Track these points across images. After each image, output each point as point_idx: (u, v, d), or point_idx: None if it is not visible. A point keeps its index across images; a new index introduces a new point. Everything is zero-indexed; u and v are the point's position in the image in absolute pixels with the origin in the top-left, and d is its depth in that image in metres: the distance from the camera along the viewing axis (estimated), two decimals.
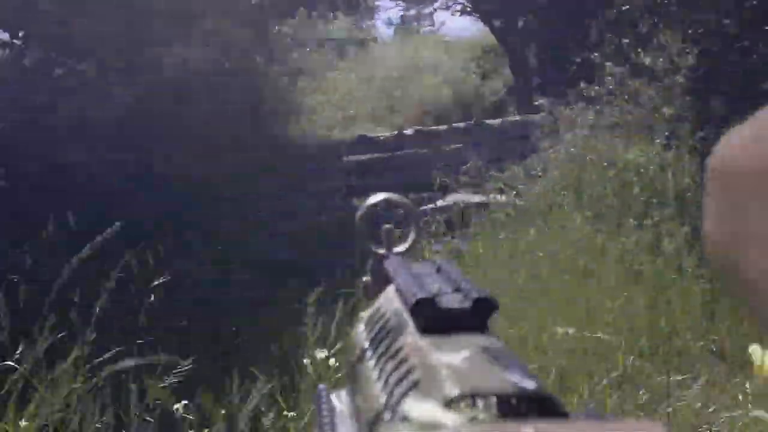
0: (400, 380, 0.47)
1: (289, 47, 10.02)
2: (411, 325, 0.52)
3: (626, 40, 8.30)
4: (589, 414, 0.46)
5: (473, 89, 13.87)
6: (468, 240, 6.71)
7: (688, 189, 6.79)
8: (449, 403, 0.42)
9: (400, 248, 0.74)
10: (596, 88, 8.05)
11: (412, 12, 22.10)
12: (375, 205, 0.76)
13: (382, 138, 8.62)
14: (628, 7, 8.37)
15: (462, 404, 0.42)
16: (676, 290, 5.68)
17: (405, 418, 0.42)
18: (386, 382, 0.49)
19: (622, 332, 5.22)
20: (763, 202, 0.37)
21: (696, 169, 7.01)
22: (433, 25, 23.18)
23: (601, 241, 6.22)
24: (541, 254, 6.10)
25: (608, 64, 7.96)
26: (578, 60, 9.37)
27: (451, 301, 0.52)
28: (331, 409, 0.63)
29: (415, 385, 0.45)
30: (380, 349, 0.54)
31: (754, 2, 7.80)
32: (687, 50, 7.88)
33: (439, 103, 12.64)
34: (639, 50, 8.09)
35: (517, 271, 5.99)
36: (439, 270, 0.60)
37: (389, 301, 0.59)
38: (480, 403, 0.45)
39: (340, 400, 0.63)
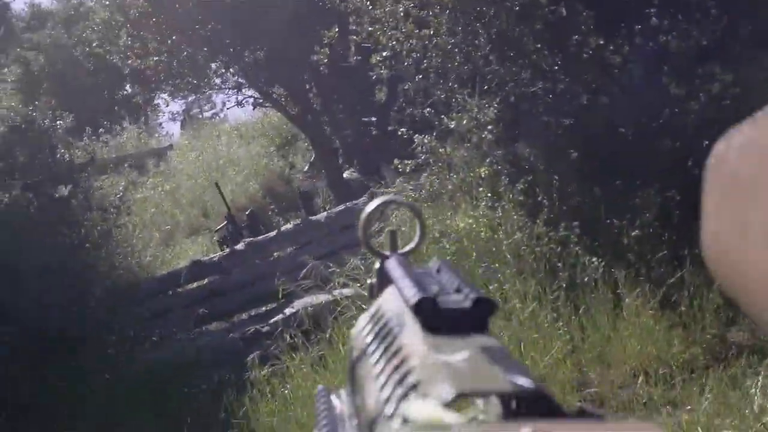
0: (400, 380, 0.48)
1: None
2: (411, 326, 0.54)
3: (427, 109, 8.59)
4: (585, 408, 0.49)
5: (279, 175, 13.94)
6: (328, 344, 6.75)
7: (521, 243, 7.08)
8: (449, 403, 0.43)
9: (404, 249, 0.76)
10: (407, 162, 8.27)
11: (192, 99, 21.95)
12: (378, 207, 0.79)
13: (216, 258, 8.58)
14: (420, 77, 8.66)
15: (462, 404, 0.45)
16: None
17: (405, 418, 0.44)
18: (386, 381, 0.50)
19: None
20: (761, 202, 0.38)
21: (524, 224, 7.33)
22: (215, 108, 23.26)
23: None
24: None
25: (416, 135, 8.21)
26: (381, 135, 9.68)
27: (452, 301, 0.55)
28: (331, 409, 0.66)
29: (415, 385, 0.47)
30: (380, 349, 0.56)
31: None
32: (487, 104, 8.25)
33: (252, 199, 12.66)
34: (442, 116, 8.39)
35: None
36: (439, 271, 0.64)
37: (390, 301, 0.62)
38: (480, 403, 0.49)
39: (340, 400, 0.66)
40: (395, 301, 0.60)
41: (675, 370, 5.60)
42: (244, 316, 8.24)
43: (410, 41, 8.20)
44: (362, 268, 7.47)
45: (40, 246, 7.63)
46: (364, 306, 6.93)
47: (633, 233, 6.93)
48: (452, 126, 8.24)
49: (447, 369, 0.46)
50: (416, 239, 0.78)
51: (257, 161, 14.55)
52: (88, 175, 9.23)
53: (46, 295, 7.16)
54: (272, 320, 7.47)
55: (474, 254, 7.05)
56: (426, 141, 8.21)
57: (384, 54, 8.49)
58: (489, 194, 7.52)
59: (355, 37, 9.29)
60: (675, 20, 8.40)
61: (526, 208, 7.45)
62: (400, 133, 8.34)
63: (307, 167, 13.84)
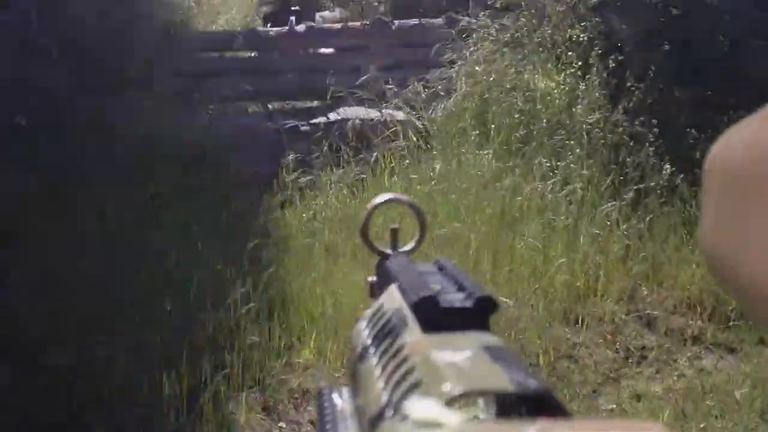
0: (402, 379, 0.49)
1: None
2: (413, 324, 0.55)
3: None
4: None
5: None
6: (368, 167, 6.55)
7: (597, 125, 6.84)
8: (451, 402, 0.43)
9: (406, 248, 0.78)
10: None
11: None
12: (381, 204, 0.80)
13: (272, 34, 8.20)
14: None
15: (463, 403, 0.45)
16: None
17: (406, 417, 0.45)
18: (388, 380, 0.51)
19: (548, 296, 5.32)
20: (761, 202, 0.38)
21: (603, 105, 7.07)
22: None
23: (511, 182, 6.23)
24: (453, 196, 6.06)
25: None
26: None
27: (453, 299, 0.56)
28: (333, 408, 0.66)
29: (416, 383, 0.47)
30: (382, 348, 0.56)
31: None
32: None
33: None
34: None
35: (430, 212, 5.94)
36: (441, 269, 0.65)
37: (391, 299, 0.62)
38: (481, 401, 0.50)
39: (341, 399, 0.67)
40: (396, 300, 0.61)
41: (730, 311, 5.48)
42: (286, 105, 7.94)
43: None
44: (423, 95, 7.21)
45: None
46: (414, 137, 6.73)
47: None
48: None
49: (449, 368, 0.47)
50: (417, 238, 0.79)
51: None
52: None
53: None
54: (314, 121, 7.19)
55: (545, 121, 6.78)
56: None
57: None
58: (579, 62, 7.17)
59: None
60: None
61: (610, 89, 7.16)
62: None
63: None
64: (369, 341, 0.59)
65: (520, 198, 6.09)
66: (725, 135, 0.43)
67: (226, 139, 6.73)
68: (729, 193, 0.41)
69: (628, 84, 7.03)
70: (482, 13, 8.08)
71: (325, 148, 6.65)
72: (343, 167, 6.57)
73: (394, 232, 0.79)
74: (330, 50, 8.31)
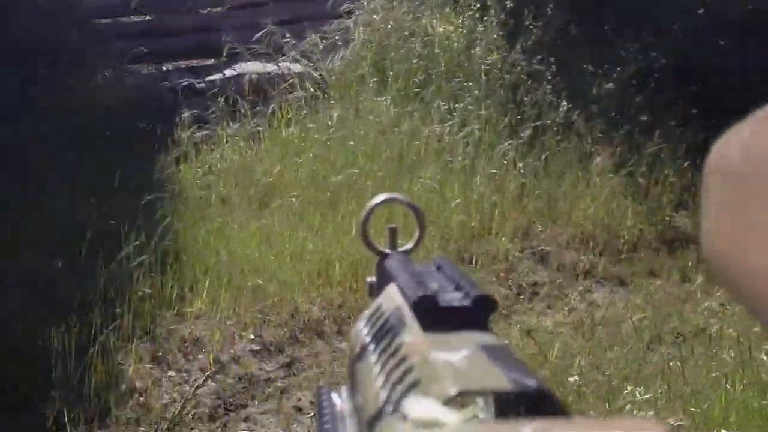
0: (401, 378, 0.49)
1: None
2: (411, 323, 0.56)
3: None
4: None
5: None
6: (264, 120, 6.56)
7: (495, 66, 6.91)
8: (449, 401, 0.44)
9: (405, 247, 0.78)
10: None
11: None
12: (379, 204, 0.79)
13: None
14: None
15: (462, 402, 0.46)
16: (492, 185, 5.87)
17: (405, 416, 0.45)
18: (386, 379, 0.51)
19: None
20: (761, 201, 0.38)
21: (501, 45, 7.13)
22: None
23: (409, 127, 6.28)
24: (351, 142, 6.10)
25: None
26: None
27: (452, 299, 0.56)
28: (332, 407, 0.67)
29: (415, 383, 0.47)
30: (381, 347, 0.57)
31: None
32: None
33: None
34: None
35: (327, 160, 5.99)
36: (439, 268, 0.65)
37: (390, 299, 0.62)
38: (480, 401, 0.50)
39: (340, 398, 0.67)
40: (395, 299, 0.61)
41: (623, 245, 5.61)
42: (181, 65, 7.91)
43: None
44: (320, 46, 7.22)
45: None
46: (310, 86, 6.76)
47: (606, 85, 6.82)
48: None
49: (447, 367, 0.47)
50: (416, 237, 0.79)
51: None
52: None
53: None
54: (209, 78, 7.18)
55: (443, 64, 6.84)
56: None
57: None
58: (477, 4, 7.22)
59: None
60: None
61: (508, 29, 7.23)
62: None
63: None
64: (368, 340, 0.60)
65: (417, 142, 6.14)
66: (725, 135, 0.43)
67: (120, 99, 6.71)
68: (729, 193, 0.42)
69: (526, 23, 7.10)
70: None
71: (222, 103, 6.65)
72: (239, 121, 6.57)
73: (393, 232, 0.79)
74: (225, 8, 8.26)
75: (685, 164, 6.25)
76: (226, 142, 6.37)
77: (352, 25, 7.44)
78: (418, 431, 0.43)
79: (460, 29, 7.17)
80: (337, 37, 7.35)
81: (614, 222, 5.79)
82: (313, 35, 7.24)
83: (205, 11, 8.31)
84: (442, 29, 7.20)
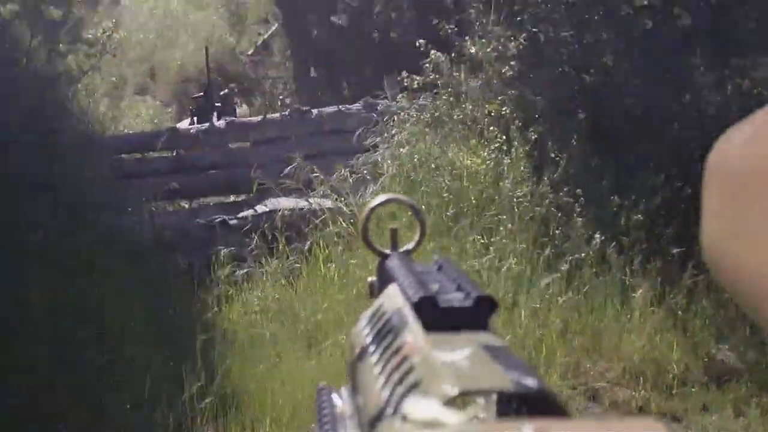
0: (402, 378, 0.50)
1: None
2: (412, 324, 0.56)
3: (452, 27, 8.45)
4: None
5: (231, 53, 13.66)
6: (302, 257, 6.68)
7: (525, 199, 7.07)
8: (450, 402, 0.45)
9: (406, 248, 0.78)
10: (416, 78, 8.14)
11: None
12: (380, 205, 0.81)
13: (192, 131, 8.32)
14: None
15: (463, 402, 0.47)
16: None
17: (406, 417, 0.46)
18: (387, 380, 0.52)
19: None
20: (761, 201, 0.40)
21: (528, 177, 7.32)
22: None
23: None
24: None
25: (433, 51, 8.08)
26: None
27: (453, 299, 0.58)
28: (332, 407, 0.68)
29: (416, 383, 0.49)
30: (381, 347, 0.58)
31: None
32: (512, 37, 8.17)
33: (201, 72, 12.36)
34: (465, 38, 8.26)
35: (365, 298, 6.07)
36: (440, 269, 0.67)
37: (391, 299, 0.63)
38: (481, 401, 0.51)
39: (341, 398, 0.68)
40: (396, 300, 0.62)
41: (672, 379, 5.72)
42: (210, 201, 8.06)
43: None
44: (350, 181, 7.38)
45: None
46: (343, 221, 6.90)
47: (635, 217, 6.99)
48: (473, 51, 8.13)
49: (448, 367, 0.48)
50: (417, 238, 0.80)
51: (210, 31, 14.30)
52: None
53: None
54: (241, 214, 7.32)
55: (473, 198, 7.01)
56: (442, 60, 8.08)
57: None
58: (502, 136, 7.44)
59: None
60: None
61: (533, 161, 7.43)
62: (417, 44, 8.17)
63: (252, 50, 13.56)
64: (369, 341, 0.61)
65: None
66: (725, 135, 0.45)
67: (155, 238, 6.84)
68: (729, 192, 0.43)
69: (551, 155, 7.31)
70: (399, 95, 8.32)
71: (257, 240, 6.77)
72: (277, 258, 6.68)
73: (394, 233, 0.80)
74: (250, 143, 8.46)
75: (722, 296, 6.39)
76: (266, 279, 6.47)
77: (379, 159, 7.62)
78: None
79: (488, 161, 7.35)
80: (365, 171, 7.52)
81: (660, 356, 5.89)
82: (342, 169, 7.40)
83: (233, 146, 8.49)
84: (469, 162, 7.37)
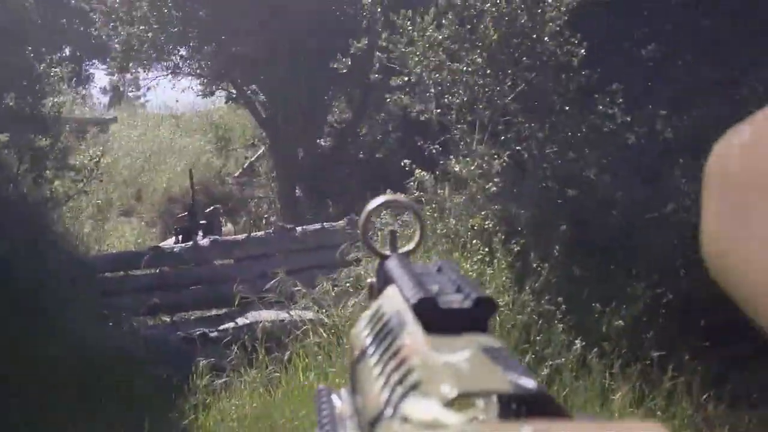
0: (401, 380, 0.50)
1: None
2: (412, 325, 0.56)
3: (436, 147, 8.68)
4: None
5: (216, 174, 13.90)
6: (281, 366, 6.72)
7: (507, 307, 7.14)
8: (450, 403, 0.45)
9: (405, 249, 0.78)
10: (401, 195, 8.28)
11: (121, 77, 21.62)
12: (378, 207, 0.79)
13: (176, 249, 8.46)
14: (438, 110, 8.79)
15: (462, 404, 0.46)
16: None
17: (406, 418, 0.46)
18: (387, 381, 0.52)
19: None
20: (762, 202, 0.39)
21: (510, 287, 7.41)
22: (139, 89, 23.02)
23: None
24: None
25: (418, 170, 8.26)
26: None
27: (452, 301, 0.57)
28: (332, 409, 0.68)
29: (416, 384, 0.48)
30: (381, 349, 0.57)
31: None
32: (495, 155, 8.35)
33: (187, 193, 12.57)
34: (450, 157, 8.47)
35: None
36: (440, 270, 0.66)
37: (390, 301, 0.63)
38: (480, 403, 0.51)
39: (340, 400, 0.68)
40: (395, 301, 0.62)
41: None
42: (192, 315, 8.15)
43: (439, 72, 8.33)
44: (332, 293, 7.46)
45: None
46: (324, 332, 6.95)
47: (616, 323, 7.05)
48: (457, 169, 8.31)
49: (448, 369, 0.48)
50: (416, 239, 0.80)
51: (197, 155, 14.59)
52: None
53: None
54: (222, 327, 7.40)
55: None
56: (426, 178, 8.25)
57: (406, 78, 8.58)
58: (485, 248, 7.56)
59: (381, 54, 9.35)
60: (708, 104, 8.63)
61: (515, 271, 7.53)
62: (403, 164, 8.37)
63: (239, 173, 13.82)
64: (368, 342, 0.61)
65: None
66: (725, 136, 0.44)
67: (136, 351, 6.91)
68: (729, 193, 0.42)
69: (534, 265, 7.41)
70: (383, 212, 8.46)
71: (237, 351, 6.82)
72: (256, 368, 6.73)
73: (393, 234, 0.79)
74: (234, 260, 8.58)
75: (702, 397, 6.43)
76: (245, 388, 6.51)
77: (362, 272, 7.71)
78: None
79: (471, 273, 7.43)
80: (347, 284, 7.60)
81: None
82: (324, 282, 7.49)
83: (217, 263, 8.60)
84: None
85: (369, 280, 0.78)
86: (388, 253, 0.77)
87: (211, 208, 10.78)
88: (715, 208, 0.44)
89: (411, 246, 0.78)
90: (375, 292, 0.74)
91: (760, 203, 0.40)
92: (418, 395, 0.47)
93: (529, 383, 0.46)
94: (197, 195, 10.91)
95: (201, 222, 9.97)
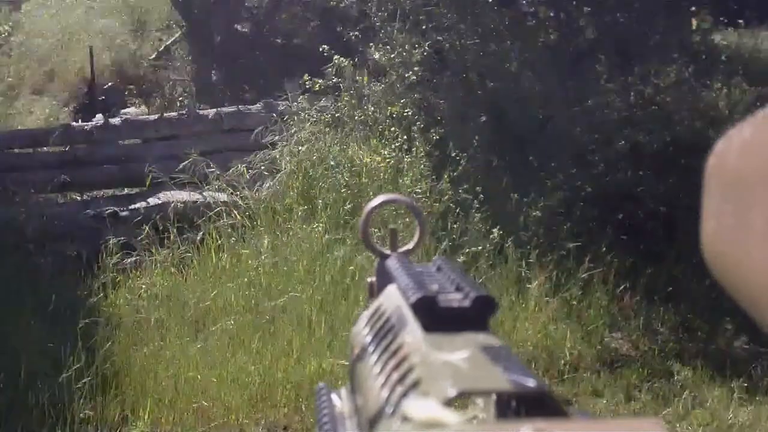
0: (401, 379, 0.51)
1: None
2: (411, 324, 0.57)
3: (356, 34, 8.57)
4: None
5: (131, 58, 13.67)
6: (193, 246, 6.63)
7: (424, 194, 7.14)
8: (449, 402, 0.45)
9: (405, 248, 0.78)
10: (318, 81, 8.19)
11: None
12: (379, 206, 0.80)
13: (87, 127, 8.21)
14: None
15: (462, 403, 0.48)
16: None
17: (405, 417, 0.46)
18: (387, 380, 0.53)
19: None
20: (761, 202, 0.40)
21: (428, 175, 7.40)
22: None
23: (342, 253, 6.42)
24: (285, 268, 6.21)
25: (336, 56, 8.14)
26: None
27: (452, 300, 0.58)
28: (332, 407, 0.68)
29: (415, 383, 0.49)
30: (381, 348, 0.58)
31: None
32: (416, 44, 8.28)
33: (102, 75, 12.30)
34: (370, 44, 8.38)
35: (261, 286, 6.08)
36: (439, 269, 0.67)
37: (390, 299, 0.64)
38: (480, 401, 0.52)
39: (340, 398, 0.69)
40: (395, 300, 0.63)
41: (564, 365, 5.79)
42: (103, 194, 7.95)
43: None
44: (247, 176, 7.36)
45: None
46: (237, 214, 6.87)
47: (534, 213, 7.10)
48: (376, 57, 8.24)
49: (447, 367, 0.48)
50: (416, 238, 0.80)
51: (112, 37, 14.32)
52: None
53: None
54: (133, 206, 7.25)
55: (372, 194, 7.03)
56: (345, 64, 8.15)
57: None
58: (404, 136, 7.52)
59: None
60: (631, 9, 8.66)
61: (434, 160, 7.52)
62: (321, 50, 8.24)
63: (154, 55, 13.57)
64: (368, 341, 0.61)
65: (352, 267, 6.27)
66: (726, 136, 0.44)
67: (44, 229, 6.75)
68: (729, 193, 0.43)
69: (453, 154, 7.39)
70: (301, 97, 8.36)
71: (148, 230, 6.70)
72: (168, 248, 6.63)
73: (393, 233, 0.79)
74: (145, 140, 8.39)
75: (617, 288, 6.54)
76: (155, 268, 6.41)
77: (277, 156, 7.62)
78: None
79: (388, 159, 7.41)
80: (262, 167, 7.50)
81: (554, 344, 5.97)
82: (238, 165, 7.38)
83: (127, 142, 8.41)
84: (368, 159, 7.42)
85: (369, 279, 0.78)
86: (388, 252, 0.77)
87: (108, 84, 10.56)
88: (715, 208, 0.44)
89: (411, 245, 0.79)
90: (375, 290, 0.75)
91: (760, 202, 0.40)
92: (418, 394, 0.47)
93: (528, 382, 0.46)
94: (113, 77, 10.63)
95: (100, 98, 9.74)
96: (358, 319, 0.67)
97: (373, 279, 0.77)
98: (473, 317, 0.55)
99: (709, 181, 0.45)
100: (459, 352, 0.50)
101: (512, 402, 0.49)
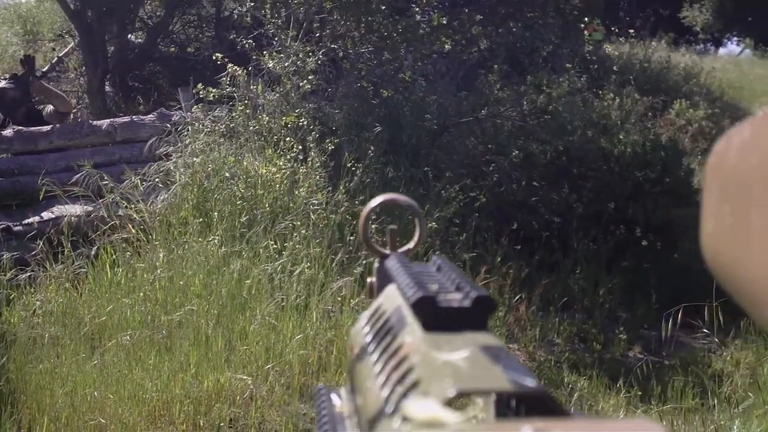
0: (401, 379, 0.51)
1: None
2: (411, 324, 0.58)
3: (249, 42, 8.70)
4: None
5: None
6: (88, 261, 6.68)
7: (320, 206, 7.29)
8: (449, 402, 0.46)
9: (405, 248, 0.79)
10: (212, 90, 8.29)
11: None
12: (378, 206, 0.80)
13: None
14: (252, 4, 8.79)
15: (462, 403, 0.48)
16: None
17: (405, 417, 0.47)
18: (386, 380, 0.53)
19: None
20: (761, 202, 0.40)
21: (324, 186, 7.56)
22: None
23: (239, 266, 6.54)
24: (181, 282, 6.30)
25: (230, 65, 8.25)
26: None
27: (452, 299, 0.58)
28: (331, 408, 0.69)
29: (415, 383, 0.49)
30: (381, 348, 0.59)
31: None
32: (310, 53, 8.44)
33: None
34: (264, 53, 8.51)
35: (158, 301, 6.17)
36: (439, 269, 0.68)
37: (390, 299, 0.65)
38: (479, 401, 0.52)
39: (340, 399, 0.70)
40: (395, 300, 0.64)
41: None
42: None
43: None
44: (141, 188, 7.43)
45: None
46: (132, 227, 6.94)
47: (429, 225, 7.30)
48: (270, 65, 8.38)
49: (447, 367, 0.49)
50: (416, 238, 0.80)
51: (4, 48, 14.24)
52: None
53: None
54: (27, 220, 7.26)
55: (267, 205, 7.18)
56: (239, 73, 8.27)
57: None
58: (299, 147, 7.67)
59: None
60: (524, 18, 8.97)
61: (329, 170, 7.68)
62: (214, 58, 8.35)
63: (47, 67, 13.50)
64: (368, 341, 0.62)
65: (248, 281, 6.39)
66: (726, 136, 0.45)
67: None
68: (729, 193, 0.43)
69: (349, 165, 7.57)
70: (194, 107, 8.45)
71: (42, 245, 6.73)
72: (62, 263, 6.67)
73: (393, 233, 0.79)
74: (38, 152, 8.37)
75: (513, 299, 6.79)
76: (50, 283, 6.46)
77: (172, 167, 7.69)
78: None
79: (283, 170, 7.53)
80: (157, 180, 7.58)
81: None
82: (132, 177, 7.44)
83: (19, 155, 8.38)
84: (264, 170, 7.54)
85: (369, 279, 0.79)
86: (387, 252, 0.78)
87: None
88: (714, 208, 0.45)
89: (410, 245, 0.79)
90: (375, 290, 0.76)
91: (758, 202, 0.40)
92: (418, 394, 0.48)
93: (528, 382, 0.47)
94: None
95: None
96: (358, 319, 0.68)
97: (373, 279, 0.78)
98: (473, 317, 0.56)
99: (709, 181, 0.46)
100: (459, 352, 0.51)
101: (512, 402, 0.49)
